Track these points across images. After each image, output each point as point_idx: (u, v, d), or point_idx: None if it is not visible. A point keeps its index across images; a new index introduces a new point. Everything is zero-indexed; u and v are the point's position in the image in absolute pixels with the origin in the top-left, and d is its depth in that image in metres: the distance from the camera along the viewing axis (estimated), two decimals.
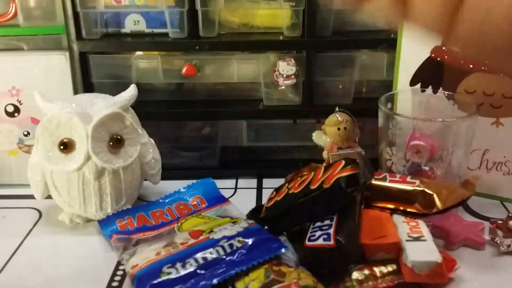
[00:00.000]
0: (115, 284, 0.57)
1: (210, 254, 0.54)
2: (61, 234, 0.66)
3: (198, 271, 0.52)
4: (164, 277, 0.52)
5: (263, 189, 0.76)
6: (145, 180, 0.71)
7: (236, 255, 0.54)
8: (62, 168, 0.63)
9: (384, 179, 0.62)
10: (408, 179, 0.61)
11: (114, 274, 0.58)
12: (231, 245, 0.55)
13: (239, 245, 0.55)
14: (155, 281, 0.52)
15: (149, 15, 0.76)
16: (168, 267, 0.53)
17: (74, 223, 0.67)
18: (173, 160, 0.81)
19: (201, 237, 0.57)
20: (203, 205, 0.68)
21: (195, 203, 0.68)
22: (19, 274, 0.59)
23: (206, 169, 0.81)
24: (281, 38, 0.75)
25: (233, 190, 0.77)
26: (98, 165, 0.63)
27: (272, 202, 0.61)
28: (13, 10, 0.75)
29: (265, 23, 0.77)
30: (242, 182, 0.79)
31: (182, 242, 0.57)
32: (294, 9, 0.74)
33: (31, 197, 0.68)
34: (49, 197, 0.67)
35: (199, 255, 0.54)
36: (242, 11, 0.76)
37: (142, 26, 0.76)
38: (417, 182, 0.60)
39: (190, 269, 0.53)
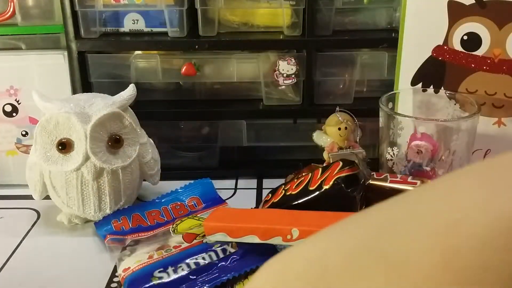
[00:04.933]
0: (113, 285, 0.56)
1: (202, 259, 0.54)
2: (60, 235, 0.66)
3: (190, 276, 0.52)
4: (155, 282, 0.51)
5: (263, 190, 0.76)
6: (144, 180, 0.71)
7: (229, 260, 0.54)
8: (61, 168, 0.63)
9: (385, 179, 0.61)
10: (409, 179, 0.61)
11: (112, 275, 0.58)
12: (224, 250, 0.55)
13: (233, 250, 0.55)
14: (146, 285, 0.51)
15: (148, 14, 0.75)
16: (160, 272, 0.52)
17: (73, 223, 0.67)
18: (172, 160, 0.81)
19: (195, 241, 0.57)
20: (200, 206, 0.67)
21: (191, 203, 0.68)
22: (18, 275, 0.58)
23: (206, 169, 0.80)
24: (281, 37, 0.75)
25: (233, 190, 0.76)
26: (97, 165, 0.62)
27: (269, 205, 0.61)
28: (11, 9, 0.74)
29: (265, 22, 0.76)
30: (242, 183, 0.78)
31: (176, 246, 0.57)
32: (295, 8, 0.73)
33: (29, 197, 0.68)
34: (47, 197, 0.67)
35: (191, 260, 0.53)
36: (242, 10, 0.76)
37: (141, 25, 0.76)
38: (419, 182, 0.60)
39: (182, 274, 0.52)
